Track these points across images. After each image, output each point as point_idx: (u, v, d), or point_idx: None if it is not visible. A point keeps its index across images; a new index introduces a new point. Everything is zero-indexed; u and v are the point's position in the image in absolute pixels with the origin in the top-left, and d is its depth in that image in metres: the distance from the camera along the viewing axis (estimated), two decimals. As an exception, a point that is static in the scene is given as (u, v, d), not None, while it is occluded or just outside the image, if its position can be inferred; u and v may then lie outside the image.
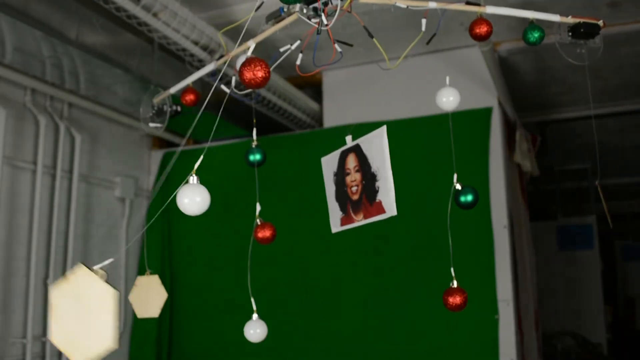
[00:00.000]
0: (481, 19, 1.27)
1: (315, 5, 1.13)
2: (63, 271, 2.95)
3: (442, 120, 2.97)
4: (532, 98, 3.78)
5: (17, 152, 2.76)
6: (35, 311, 2.78)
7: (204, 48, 2.46)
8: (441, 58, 3.06)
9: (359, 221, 1.26)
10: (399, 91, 3.12)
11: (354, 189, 1.26)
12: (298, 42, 1.18)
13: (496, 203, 2.82)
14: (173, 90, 1.51)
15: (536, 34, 1.28)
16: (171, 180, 3.56)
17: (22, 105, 2.81)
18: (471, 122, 2.93)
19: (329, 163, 1.35)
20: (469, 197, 1.26)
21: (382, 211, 1.22)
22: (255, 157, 1.46)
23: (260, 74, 0.93)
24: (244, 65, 0.94)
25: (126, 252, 3.38)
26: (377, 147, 1.22)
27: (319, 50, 1.24)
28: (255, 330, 1.39)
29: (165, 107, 1.52)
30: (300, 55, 1.22)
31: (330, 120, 3.26)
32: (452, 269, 1.24)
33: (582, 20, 1.32)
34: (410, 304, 2.87)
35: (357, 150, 1.26)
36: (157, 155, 3.65)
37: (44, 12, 2.14)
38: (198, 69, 2.75)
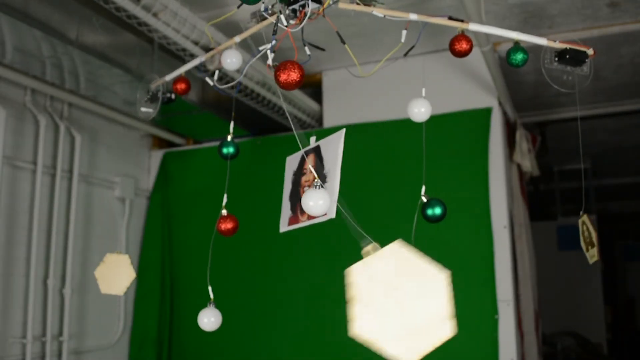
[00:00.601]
0: (462, 35, 1.23)
1: (294, 7, 1.13)
2: (63, 271, 2.95)
3: (442, 120, 2.97)
4: (532, 98, 3.78)
5: (17, 152, 2.76)
6: (35, 311, 2.78)
7: (204, 48, 2.46)
8: (441, 58, 3.06)
9: (303, 222, 1.25)
10: (399, 91, 3.11)
11: (306, 188, 1.25)
12: (273, 42, 1.18)
13: (496, 203, 2.82)
14: (168, 77, 1.54)
15: (519, 56, 1.25)
16: (171, 181, 3.57)
17: (22, 105, 2.81)
18: (471, 122, 2.93)
19: (291, 162, 1.34)
20: (437, 210, 1.22)
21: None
22: (229, 150, 1.47)
23: (294, 76, 0.98)
24: (279, 68, 0.97)
25: (126, 252, 3.38)
26: (333, 149, 1.23)
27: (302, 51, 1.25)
28: (209, 319, 1.39)
29: (159, 94, 1.55)
30: (272, 55, 1.22)
31: (330, 120, 3.26)
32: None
33: (569, 46, 1.26)
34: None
35: (316, 151, 1.27)
36: (157, 155, 3.65)
37: (44, 12, 2.14)
38: (198, 69, 2.75)
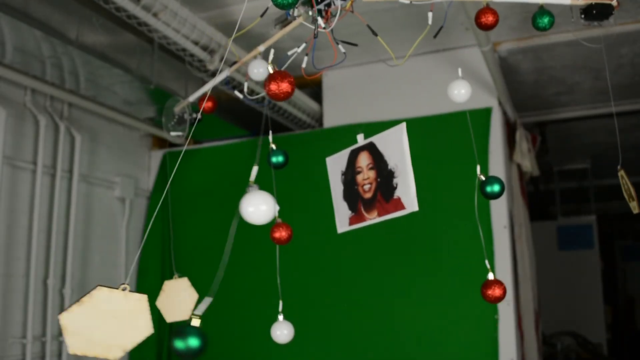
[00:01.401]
0: (487, 8, 1.25)
1: (320, 7, 1.13)
2: (63, 271, 2.95)
3: (442, 120, 2.97)
4: (532, 98, 3.78)
5: (17, 152, 2.76)
6: (35, 311, 2.78)
7: (204, 48, 2.46)
8: (441, 58, 3.06)
9: (372, 219, 1.23)
10: (399, 91, 3.12)
11: (367, 187, 1.23)
12: (304, 45, 1.18)
13: (496, 203, 2.82)
14: (192, 98, 1.52)
15: (545, 19, 1.24)
16: (171, 180, 3.56)
17: (22, 105, 2.81)
18: (471, 122, 2.92)
19: (336, 162, 1.32)
20: (496, 188, 1.21)
21: (401, 207, 1.19)
22: (278, 159, 1.46)
23: (284, 87, 0.96)
24: (269, 78, 0.96)
25: (126, 253, 3.39)
26: (396, 143, 1.21)
27: (324, 50, 1.24)
28: (282, 331, 1.38)
29: (185, 116, 1.53)
30: (305, 58, 1.23)
31: (330, 120, 3.26)
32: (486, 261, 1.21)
33: (593, 1, 1.29)
34: (411, 303, 2.87)
35: (370, 148, 1.24)
36: (157, 155, 3.65)
37: (44, 12, 2.14)
38: (198, 69, 2.75)
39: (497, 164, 2.86)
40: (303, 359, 3.04)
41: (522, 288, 3.01)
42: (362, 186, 1.24)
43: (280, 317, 1.37)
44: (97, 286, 0.81)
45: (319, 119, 3.36)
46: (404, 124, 1.19)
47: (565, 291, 5.44)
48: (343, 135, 3.32)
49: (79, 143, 3.04)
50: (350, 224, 1.26)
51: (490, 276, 1.21)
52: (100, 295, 0.80)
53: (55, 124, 2.95)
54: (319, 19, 1.12)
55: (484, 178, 1.18)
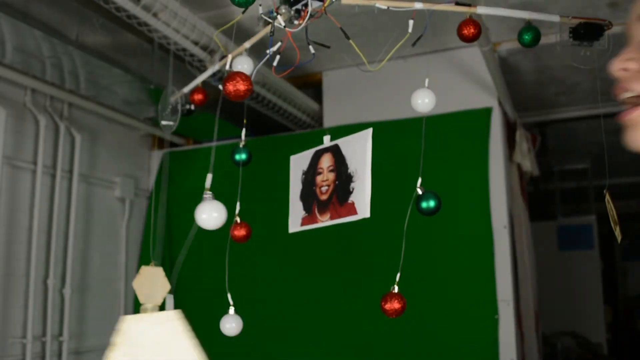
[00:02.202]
0: (470, 20, 1.22)
1: (297, 7, 1.12)
2: (63, 271, 2.95)
3: (442, 120, 2.97)
4: (532, 98, 3.78)
5: (17, 152, 2.76)
6: (35, 311, 2.78)
7: (204, 48, 2.46)
8: (441, 58, 3.06)
9: (324, 222, 1.22)
10: (398, 91, 3.11)
11: (324, 188, 1.22)
12: (278, 44, 1.18)
13: (496, 203, 2.82)
14: (187, 89, 1.52)
15: (529, 35, 1.20)
16: (171, 180, 3.56)
17: (22, 105, 2.81)
18: (471, 122, 2.93)
19: (299, 161, 1.32)
20: (431, 203, 1.13)
21: (354, 212, 1.19)
22: (241, 156, 1.46)
23: (241, 87, 0.99)
24: (227, 79, 0.99)
25: (126, 252, 3.39)
26: (360, 148, 1.21)
27: (320, 51, 1.23)
28: (231, 324, 1.38)
29: (178, 106, 1.54)
30: (277, 57, 1.22)
31: (330, 120, 3.26)
32: (398, 275, 1.19)
33: (583, 20, 1.22)
34: (411, 303, 2.87)
35: (334, 150, 1.24)
36: (157, 155, 3.65)
37: (44, 12, 2.14)
38: (198, 68, 2.75)
39: (497, 164, 2.86)
40: (300, 355, 3.04)
41: (522, 288, 3.01)
42: (320, 187, 1.23)
43: (231, 310, 1.37)
44: (121, 318, 0.80)
45: (319, 119, 3.36)
46: (370, 130, 1.19)
47: (565, 291, 5.44)
48: (343, 135, 3.32)
49: (79, 143, 3.04)
50: (302, 224, 1.25)
51: (395, 289, 1.21)
52: (130, 327, 0.80)
53: (55, 124, 2.95)
54: (280, 18, 1.12)
55: (420, 192, 1.13)
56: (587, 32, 1.26)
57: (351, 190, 1.18)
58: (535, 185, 5.64)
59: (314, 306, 3.06)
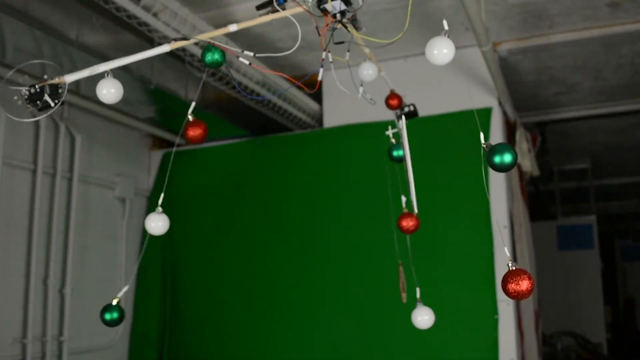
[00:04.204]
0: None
1: (325, 6, 1.11)
2: (63, 271, 2.95)
3: (442, 120, 2.97)
4: (532, 98, 3.78)
5: (16, 152, 2.76)
6: (35, 311, 2.78)
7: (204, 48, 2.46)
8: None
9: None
10: (398, 91, 3.11)
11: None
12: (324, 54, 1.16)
13: (496, 203, 2.82)
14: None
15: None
16: (171, 180, 3.56)
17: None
18: (471, 122, 2.92)
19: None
20: (507, 158, 1.02)
21: None
22: (398, 152, 1.51)
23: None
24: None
25: (126, 253, 3.38)
26: None
27: (320, 51, 1.23)
28: (423, 317, 1.42)
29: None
30: (321, 71, 1.20)
31: (330, 120, 3.26)
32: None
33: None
34: (411, 303, 2.87)
35: None
36: (157, 155, 3.65)
37: (44, 12, 2.14)
38: (198, 69, 2.75)
39: (497, 164, 2.86)
40: (300, 355, 3.04)
41: (522, 288, 3.00)
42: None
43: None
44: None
45: (319, 119, 3.36)
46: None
47: (565, 291, 5.44)
48: (343, 135, 3.33)
49: (79, 143, 3.04)
50: None
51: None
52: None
53: (55, 124, 2.95)
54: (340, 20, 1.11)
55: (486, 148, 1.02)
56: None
57: None
58: (535, 185, 5.64)
59: (315, 304, 3.06)
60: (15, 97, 1.16)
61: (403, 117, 1.36)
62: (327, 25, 1.12)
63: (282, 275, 3.16)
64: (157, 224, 1.34)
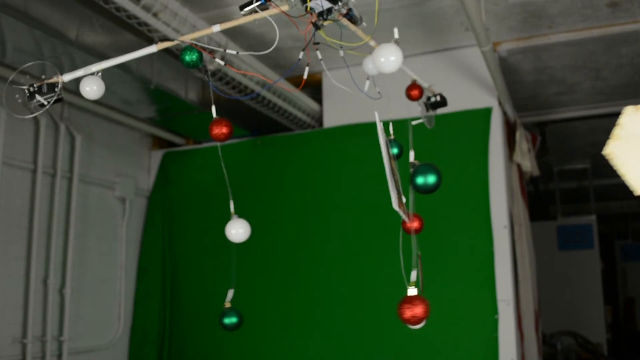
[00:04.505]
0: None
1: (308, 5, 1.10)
2: (63, 271, 2.95)
3: (442, 120, 2.97)
4: (532, 98, 3.78)
5: (17, 152, 2.76)
6: (35, 311, 2.78)
7: (204, 48, 2.46)
8: (441, 58, 3.06)
9: (401, 212, 1.18)
10: (398, 91, 3.11)
11: (397, 178, 1.20)
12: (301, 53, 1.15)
13: (496, 203, 2.81)
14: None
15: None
16: (171, 180, 3.56)
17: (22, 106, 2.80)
18: (471, 122, 2.93)
19: (383, 135, 1.19)
20: (430, 179, 1.02)
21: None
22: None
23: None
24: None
25: (126, 252, 3.38)
26: None
27: (322, 50, 1.23)
28: (237, 230, 1.36)
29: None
30: (307, 69, 1.20)
31: (330, 120, 3.26)
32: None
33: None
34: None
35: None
36: (157, 155, 3.65)
37: (44, 12, 2.14)
38: (198, 69, 2.75)
39: (497, 164, 2.86)
40: (300, 355, 3.04)
41: (522, 288, 3.01)
42: (395, 176, 1.19)
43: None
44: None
45: (319, 119, 3.36)
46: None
47: (565, 291, 5.44)
48: (343, 135, 3.33)
49: (79, 143, 3.04)
50: (399, 206, 1.16)
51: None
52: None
53: (55, 124, 2.95)
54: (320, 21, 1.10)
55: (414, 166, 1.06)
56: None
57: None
58: (535, 185, 5.64)
59: (315, 304, 3.06)
60: (17, 96, 1.18)
61: (427, 107, 1.33)
62: (311, 23, 1.11)
63: (281, 274, 3.16)
64: (239, 230, 1.29)
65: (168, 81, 2.77)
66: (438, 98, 1.61)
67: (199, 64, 1.21)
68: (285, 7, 1.12)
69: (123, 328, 3.31)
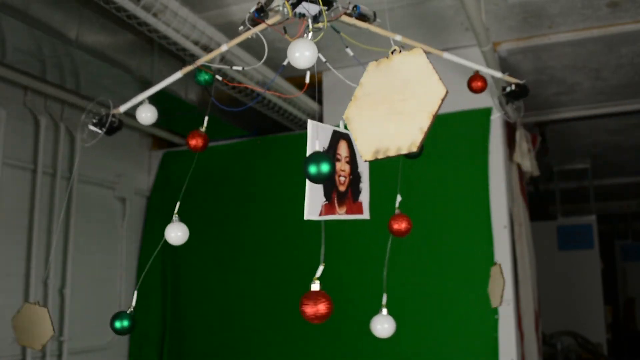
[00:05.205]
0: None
1: (301, 11, 1.11)
2: (63, 271, 2.95)
3: (442, 120, 2.97)
4: (531, 98, 3.78)
5: (17, 152, 2.76)
6: (35, 311, 2.77)
7: (204, 48, 2.46)
8: (441, 58, 3.06)
9: (341, 215, 1.13)
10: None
11: (342, 179, 1.14)
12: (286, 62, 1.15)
13: (496, 203, 2.82)
14: (123, 108, 1.50)
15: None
16: (171, 180, 3.56)
17: (22, 106, 2.80)
18: (471, 122, 2.93)
19: (317, 131, 1.11)
20: (324, 167, 0.96)
21: (361, 212, 1.18)
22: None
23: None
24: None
25: (125, 253, 3.38)
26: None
27: (323, 51, 1.23)
28: (382, 325, 1.28)
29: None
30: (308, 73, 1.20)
31: (330, 120, 3.26)
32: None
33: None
34: (411, 303, 2.87)
35: (349, 141, 1.16)
36: (157, 155, 3.65)
37: (44, 12, 2.14)
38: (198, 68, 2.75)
39: (497, 164, 2.86)
40: (300, 356, 3.04)
41: (522, 288, 3.01)
42: (339, 176, 1.13)
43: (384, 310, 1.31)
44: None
45: (319, 119, 3.36)
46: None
47: (565, 291, 5.44)
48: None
49: (79, 143, 3.04)
50: (322, 213, 1.10)
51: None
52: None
53: (55, 124, 2.95)
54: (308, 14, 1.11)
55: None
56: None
57: (360, 190, 1.16)
58: (535, 185, 5.64)
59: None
60: (87, 123, 1.48)
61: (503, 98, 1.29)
62: (302, 29, 1.11)
63: (282, 274, 3.16)
64: (177, 233, 1.32)
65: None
66: (513, 87, 1.46)
67: (212, 83, 1.37)
68: (276, 18, 1.14)
69: (123, 328, 3.31)
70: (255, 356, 3.15)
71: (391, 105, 0.92)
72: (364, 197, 1.17)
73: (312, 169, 0.88)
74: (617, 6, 2.60)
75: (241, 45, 2.82)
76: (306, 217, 1.09)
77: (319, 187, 1.09)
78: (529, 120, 3.99)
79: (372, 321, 1.28)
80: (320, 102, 3.34)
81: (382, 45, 1.29)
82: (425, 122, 0.86)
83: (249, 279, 3.22)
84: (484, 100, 2.96)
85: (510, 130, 3.19)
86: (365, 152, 0.89)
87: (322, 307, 0.92)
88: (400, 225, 1.32)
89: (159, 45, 2.62)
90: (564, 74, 3.41)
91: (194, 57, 2.51)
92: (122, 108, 1.46)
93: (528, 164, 3.24)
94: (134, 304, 1.16)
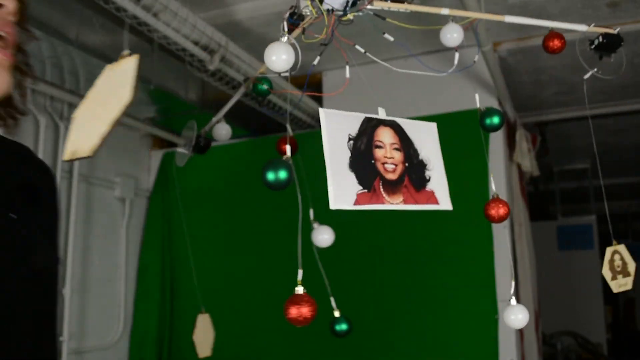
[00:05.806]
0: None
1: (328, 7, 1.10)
2: (63, 271, 2.95)
3: (442, 120, 2.97)
4: (532, 98, 3.78)
5: (17, 152, 2.75)
6: (35, 311, 2.77)
7: (204, 48, 2.46)
8: (441, 58, 3.06)
9: (395, 204, 1.04)
10: (398, 91, 3.12)
11: (390, 166, 1.07)
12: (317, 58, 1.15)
13: (496, 203, 2.81)
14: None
15: (496, 120, 1.22)
16: (171, 180, 3.56)
17: (22, 105, 2.80)
18: (471, 122, 2.92)
19: (340, 121, 1.10)
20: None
21: (434, 201, 1.09)
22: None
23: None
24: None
25: (126, 253, 3.38)
26: (431, 138, 1.15)
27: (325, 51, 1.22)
28: (516, 315, 1.23)
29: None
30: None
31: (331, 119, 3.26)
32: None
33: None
34: (410, 303, 2.87)
35: (396, 128, 1.13)
36: (157, 155, 3.65)
37: (44, 12, 2.14)
38: (198, 69, 2.75)
39: (497, 164, 2.86)
40: (301, 356, 3.04)
41: (522, 288, 3.01)
42: (384, 164, 1.06)
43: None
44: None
45: (319, 119, 3.36)
46: (434, 124, 1.15)
47: (565, 291, 5.44)
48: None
49: (79, 143, 3.03)
50: (360, 202, 1.02)
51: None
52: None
53: (55, 124, 2.95)
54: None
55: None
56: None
57: (427, 178, 1.09)
58: (535, 185, 5.64)
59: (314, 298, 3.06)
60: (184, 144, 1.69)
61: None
62: (332, 23, 1.11)
63: (282, 275, 3.16)
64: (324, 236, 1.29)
65: (168, 81, 2.78)
66: (601, 39, 1.32)
67: (268, 94, 1.52)
68: (308, 20, 1.14)
69: (123, 328, 3.31)
70: (256, 356, 3.15)
71: (95, 109, 0.96)
72: (437, 186, 1.08)
73: (270, 176, 0.90)
74: (617, 6, 2.60)
75: (241, 45, 2.82)
76: (333, 206, 0.99)
77: (349, 174, 1.03)
78: (529, 120, 3.99)
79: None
80: (320, 102, 3.34)
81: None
82: (104, 128, 0.89)
83: (249, 279, 3.22)
84: (484, 100, 2.96)
85: (510, 130, 3.19)
86: (66, 153, 0.93)
87: (305, 311, 0.93)
88: (497, 211, 1.25)
89: (159, 45, 2.62)
90: (564, 74, 3.41)
91: (193, 57, 2.51)
92: (207, 128, 1.63)
93: (528, 164, 3.24)
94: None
